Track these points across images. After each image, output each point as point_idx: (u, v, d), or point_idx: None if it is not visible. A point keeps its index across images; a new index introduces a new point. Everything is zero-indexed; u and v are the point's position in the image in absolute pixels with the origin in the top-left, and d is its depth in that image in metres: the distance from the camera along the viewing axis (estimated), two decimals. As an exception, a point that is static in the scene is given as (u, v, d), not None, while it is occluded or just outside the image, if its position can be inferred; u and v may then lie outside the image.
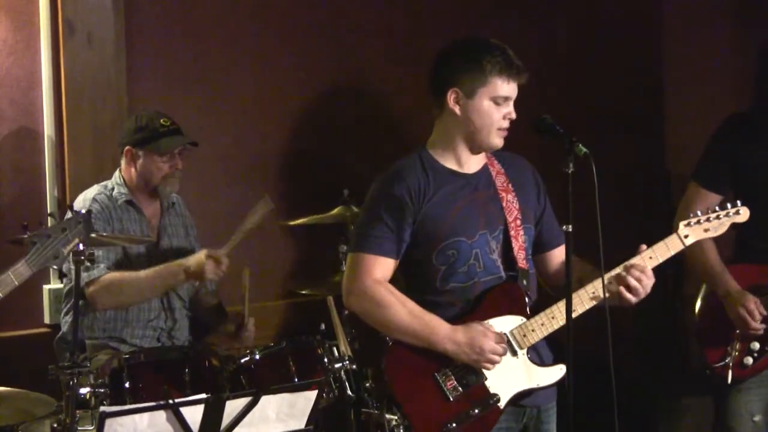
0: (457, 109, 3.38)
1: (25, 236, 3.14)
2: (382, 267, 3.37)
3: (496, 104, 3.36)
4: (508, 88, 3.36)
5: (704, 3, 5.73)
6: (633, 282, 3.37)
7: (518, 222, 3.44)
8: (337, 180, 4.72)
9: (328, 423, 4.16)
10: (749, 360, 3.94)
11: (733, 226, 4.03)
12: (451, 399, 3.33)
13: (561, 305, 3.34)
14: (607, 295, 3.31)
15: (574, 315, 3.31)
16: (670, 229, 4.15)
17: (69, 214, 3.98)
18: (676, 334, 5.53)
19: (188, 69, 4.80)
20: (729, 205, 3.56)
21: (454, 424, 3.30)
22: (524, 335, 3.37)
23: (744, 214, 3.57)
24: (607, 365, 3.24)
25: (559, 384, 3.41)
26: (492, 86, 3.35)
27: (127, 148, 4.19)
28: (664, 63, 5.96)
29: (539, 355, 3.42)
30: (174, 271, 4.07)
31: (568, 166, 3.17)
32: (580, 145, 3.15)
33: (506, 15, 5.43)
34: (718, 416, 4.07)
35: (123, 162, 4.23)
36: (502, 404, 3.34)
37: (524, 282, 3.43)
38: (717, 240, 4.00)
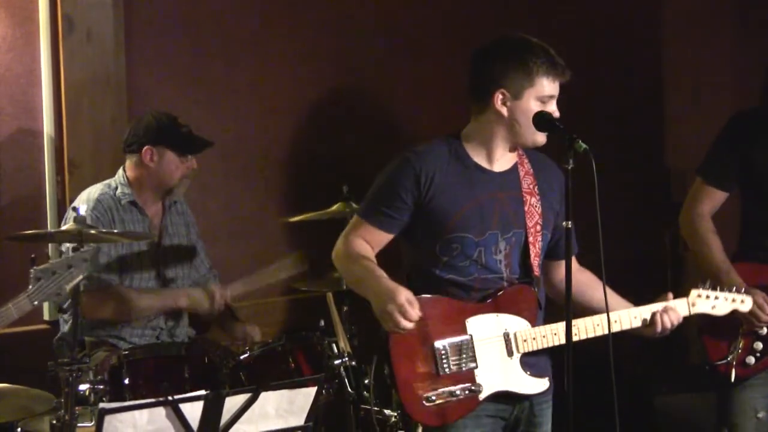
0: (504, 111, 3.36)
1: (31, 271, 3.15)
2: (369, 234, 3.42)
3: (542, 103, 3.35)
4: (553, 87, 3.35)
5: (704, 3, 5.73)
6: (667, 322, 3.51)
7: (538, 227, 3.43)
8: (336, 176, 4.71)
9: (328, 419, 4.16)
10: (751, 359, 3.94)
11: (741, 222, 4.06)
12: (440, 373, 3.33)
13: (560, 326, 3.34)
14: (607, 290, 3.32)
15: (580, 337, 3.38)
16: (669, 226, 4.16)
17: (70, 215, 4.01)
18: (676, 330, 5.53)
19: (188, 65, 4.80)
20: (743, 290, 3.69)
21: (434, 397, 3.32)
22: (524, 340, 3.38)
23: (747, 304, 3.70)
24: (607, 361, 3.24)
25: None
26: (539, 86, 3.34)
27: (147, 147, 4.16)
28: (664, 62, 5.96)
29: (532, 364, 3.42)
30: (176, 298, 4.15)
31: (567, 162, 3.15)
32: (580, 141, 3.13)
33: (507, 15, 5.43)
34: (720, 412, 4.06)
35: (132, 161, 4.20)
36: (481, 396, 3.34)
37: (536, 290, 3.44)
38: (721, 236, 4.01)
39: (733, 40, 5.56)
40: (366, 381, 4.05)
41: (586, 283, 3.54)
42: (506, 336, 3.38)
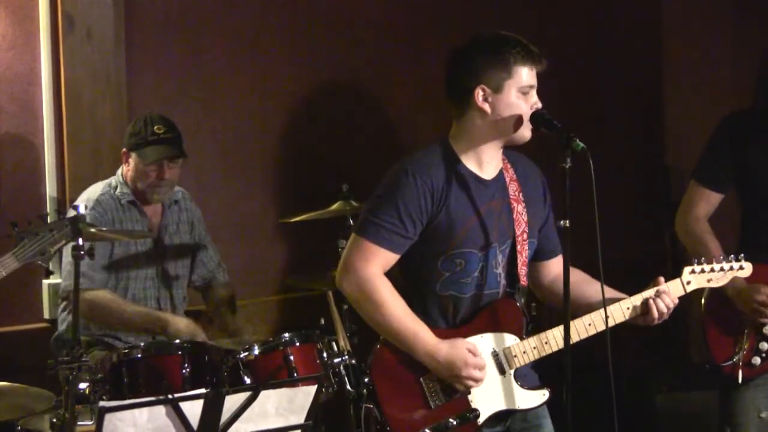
0: (486, 107, 3.29)
1: (14, 231, 3.27)
2: (385, 260, 3.28)
3: (523, 94, 3.28)
4: (531, 76, 3.28)
5: (704, 2, 5.73)
6: (662, 307, 3.38)
7: (525, 236, 3.38)
8: (336, 175, 4.72)
9: (328, 418, 4.16)
10: (757, 360, 3.92)
11: (740, 222, 4.04)
12: (432, 406, 3.29)
13: (556, 331, 3.31)
14: (605, 294, 3.29)
15: (573, 340, 3.30)
16: (669, 224, 4.15)
17: (70, 213, 4.01)
18: (676, 329, 5.53)
19: (188, 64, 4.80)
20: (732, 257, 3.58)
21: (428, 431, 3.27)
22: (515, 356, 3.32)
23: (747, 269, 3.60)
24: (606, 360, 3.23)
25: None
26: (518, 77, 3.27)
27: (123, 150, 4.22)
28: (664, 61, 5.96)
29: (526, 377, 3.37)
30: (158, 323, 4.09)
31: (565, 161, 3.13)
32: (578, 140, 3.11)
33: (506, 14, 5.42)
34: (723, 411, 4.05)
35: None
36: (480, 420, 3.29)
37: (522, 300, 3.39)
38: (720, 237, 4.01)
39: (733, 39, 5.56)
40: (366, 379, 4.04)
41: (577, 280, 3.44)
42: (495, 355, 3.33)
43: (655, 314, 3.38)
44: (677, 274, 3.52)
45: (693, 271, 3.51)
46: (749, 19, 5.42)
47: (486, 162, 3.36)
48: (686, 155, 4.21)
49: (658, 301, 3.38)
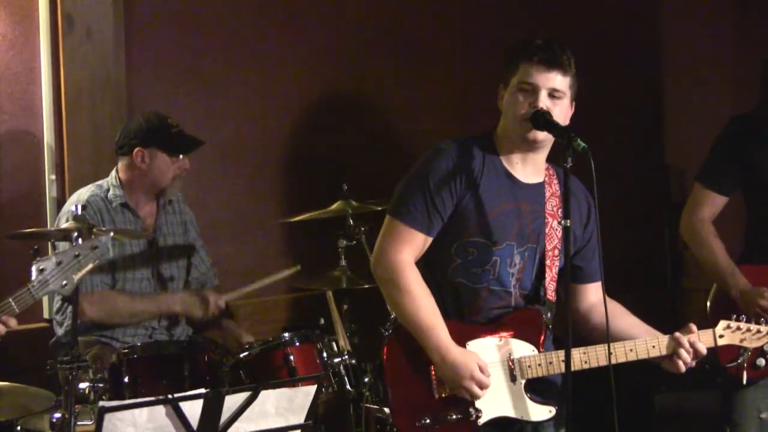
0: (500, 104, 3.34)
1: (34, 263, 3.03)
2: (417, 242, 3.29)
3: (521, 90, 3.26)
4: (536, 76, 3.24)
5: (704, 2, 5.73)
6: (688, 347, 3.38)
7: (556, 252, 3.36)
8: (336, 175, 4.72)
9: (328, 418, 4.17)
10: (761, 361, 3.91)
11: (746, 224, 4.03)
12: (436, 396, 3.29)
13: (575, 352, 3.28)
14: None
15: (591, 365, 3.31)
16: (669, 224, 4.14)
17: (63, 213, 4.00)
18: (676, 328, 5.53)
19: (188, 63, 4.80)
20: None
21: (428, 420, 3.26)
22: (529, 366, 3.31)
23: None
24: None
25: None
26: (519, 72, 3.27)
27: (138, 149, 4.14)
28: (664, 59, 5.96)
29: (539, 390, 3.34)
30: (170, 304, 4.13)
31: (566, 160, 3.13)
32: (579, 139, 3.11)
33: (507, 14, 5.43)
34: (723, 411, 4.05)
35: (123, 163, 4.18)
36: (481, 421, 3.28)
37: (548, 314, 3.38)
38: (725, 238, 4.00)
39: (733, 39, 5.56)
40: (366, 379, 4.05)
41: (614, 313, 3.42)
42: (509, 361, 3.32)
43: (681, 353, 3.36)
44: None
45: (728, 326, 3.49)
46: (749, 19, 5.42)
47: (516, 163, 3.36)
48: (686, 155, 4.20)
49: (684, 341, 3.37)
